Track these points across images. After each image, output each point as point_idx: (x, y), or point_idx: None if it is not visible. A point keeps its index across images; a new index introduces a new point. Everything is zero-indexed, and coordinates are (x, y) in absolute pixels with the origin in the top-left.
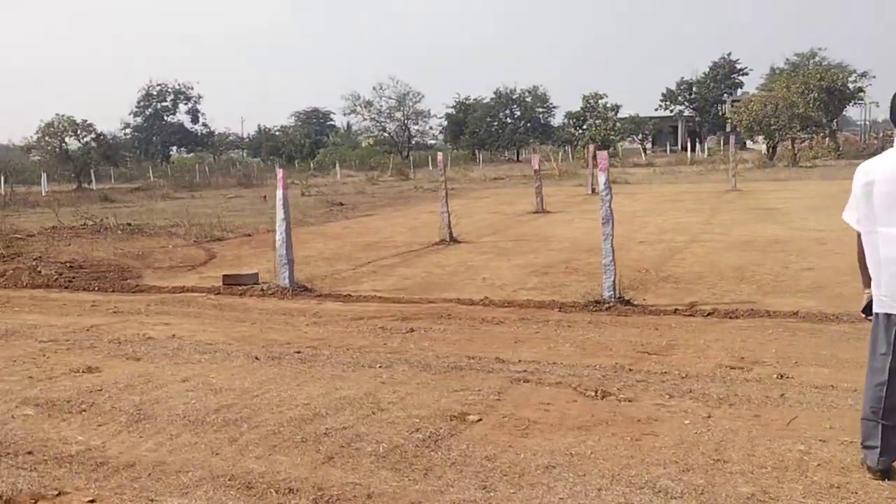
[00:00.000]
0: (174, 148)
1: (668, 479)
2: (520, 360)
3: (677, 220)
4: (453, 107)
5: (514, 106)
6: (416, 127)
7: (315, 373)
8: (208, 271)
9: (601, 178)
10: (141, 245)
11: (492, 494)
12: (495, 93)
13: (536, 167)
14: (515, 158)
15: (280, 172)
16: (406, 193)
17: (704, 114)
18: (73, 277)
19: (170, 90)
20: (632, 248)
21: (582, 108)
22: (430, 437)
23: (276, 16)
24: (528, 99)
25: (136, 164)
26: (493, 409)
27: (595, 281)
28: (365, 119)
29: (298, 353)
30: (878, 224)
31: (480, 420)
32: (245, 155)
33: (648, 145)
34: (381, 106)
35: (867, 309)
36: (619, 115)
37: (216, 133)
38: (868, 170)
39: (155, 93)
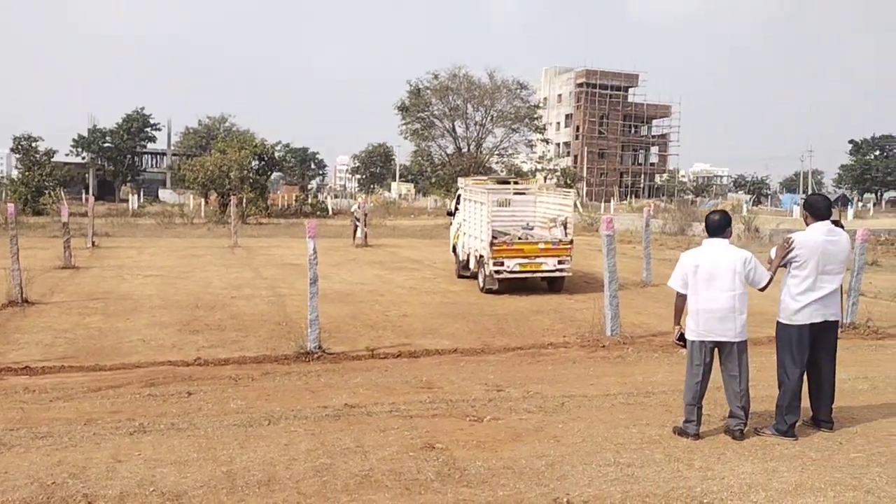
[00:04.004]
0: None
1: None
2: (371, 404)
3: (229, 275)
4: None
5: None
6: None
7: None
8: None
9: (310, 245)
10: None
11: None
12: None
13: (66, 219)
14: None
15: None
16: None
17: (118, 164)
18: None
19: None
20: (232, 303)
21: (12, 149)
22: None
23: None
24: None
25: None
26: (458, 439)
27: (252, 335)
28: None
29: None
30: (701, 289)
31: (448, 448)
32: None
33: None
34: None
35: (680, 338)
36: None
37: None
38: (695, 257)
39: None
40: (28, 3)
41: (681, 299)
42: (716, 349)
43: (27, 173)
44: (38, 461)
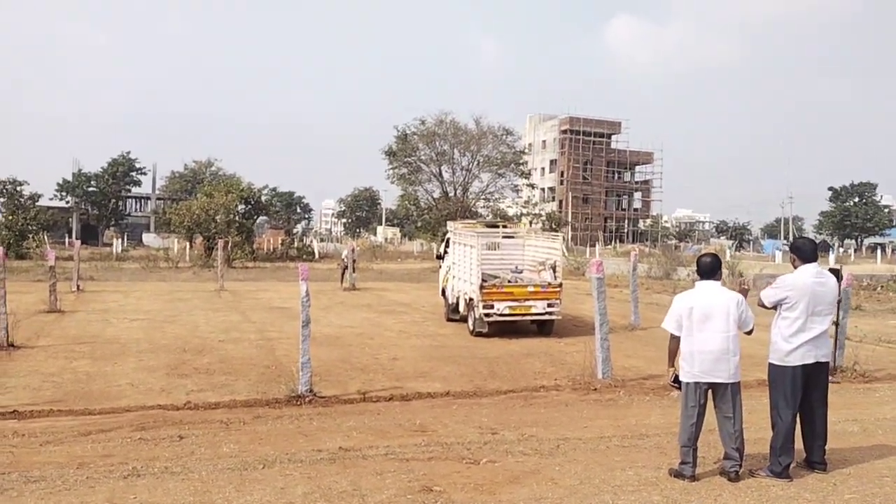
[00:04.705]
0: None
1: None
2: (365, 447)
3: (217, 319)
4: None
5: None
6: None
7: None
8: None
9: (302, 287)
10: None
11: None
12: None
13: (53, 263)
14: None
15: None
16: None
17: (102, 208)
18: None
19: None
20: (220, 347)
21: None
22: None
23: None
24: None
25: None
26: (456, 481)
27: (242, 378)
28: None
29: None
30: (695, 331)
31: (446, 491)
32: None
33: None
34: None
35: (675, 380)
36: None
37: None
38: (689, 299)
39: None
40: (14, 46)
41: (674, 341)
42: (710, 391)
43: (11, 217)
44: None
